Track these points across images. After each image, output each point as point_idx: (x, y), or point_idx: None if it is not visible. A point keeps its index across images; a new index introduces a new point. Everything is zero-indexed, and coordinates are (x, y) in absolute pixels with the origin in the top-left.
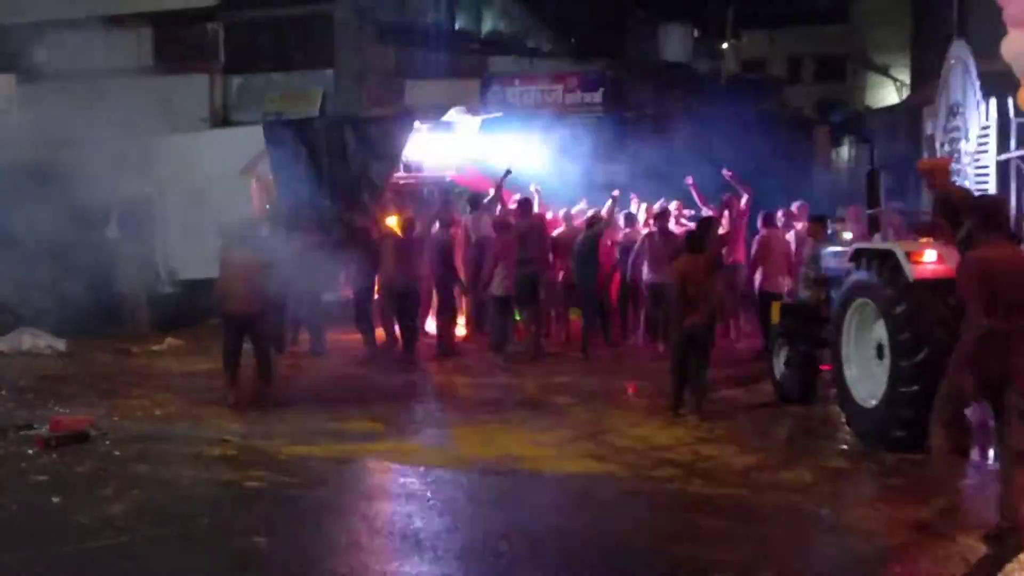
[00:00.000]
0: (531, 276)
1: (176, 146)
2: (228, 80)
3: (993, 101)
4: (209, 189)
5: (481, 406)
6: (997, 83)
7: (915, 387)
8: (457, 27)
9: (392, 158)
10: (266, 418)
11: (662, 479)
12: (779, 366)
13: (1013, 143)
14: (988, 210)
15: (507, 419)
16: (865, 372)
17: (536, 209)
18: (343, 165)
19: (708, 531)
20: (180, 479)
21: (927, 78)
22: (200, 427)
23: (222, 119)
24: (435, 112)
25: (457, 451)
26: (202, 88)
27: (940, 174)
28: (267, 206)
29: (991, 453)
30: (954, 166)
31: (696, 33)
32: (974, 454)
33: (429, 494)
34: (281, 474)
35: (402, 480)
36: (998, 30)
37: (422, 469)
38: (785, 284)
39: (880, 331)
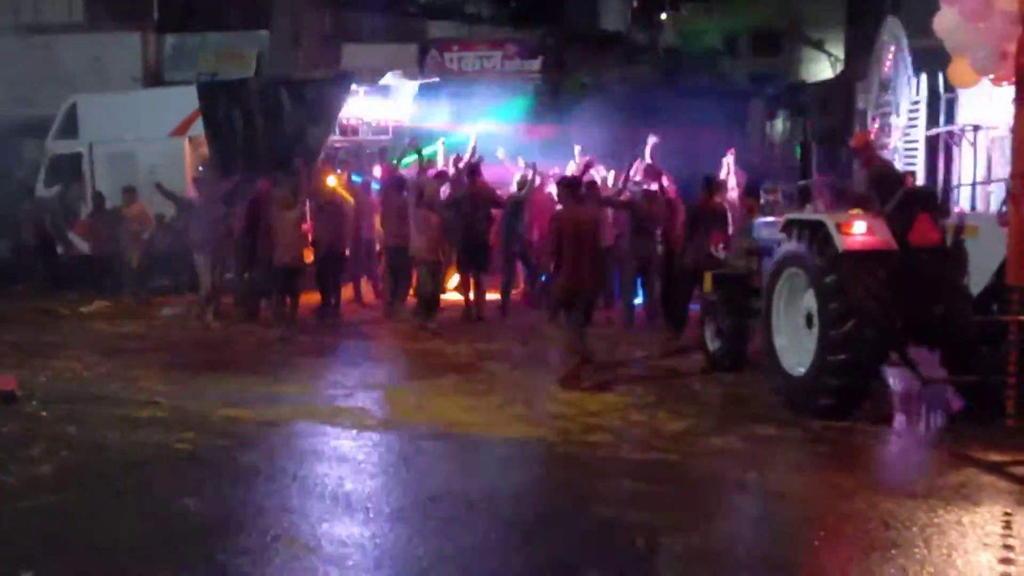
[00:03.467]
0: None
1: (107, 104)
2: (161, 39)
3: (924, 77)
4: (140, 148)
5: (414, 371)
6: (929, 59)
7: (843, 356)
8: None
9: (328, 121)
10: (197, 380)
11: (593, 444)
12: (710, 335)
13: (942, 118)
14: (569, 184)
15: (440, 384)
16: (794, 341)
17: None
18: (278, 127)
19: (637, 495)
20: (109, 441)
21: (861, 53)
22: (130, 389)
23: (155, 78)
24: (372, 75)
25: (389, 415)
26: (134, 46)
27: (869, 149)
28: (199, 167)
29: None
30: (884, 140)
31: (634, 3)
32: (897, 424)
33: (361, 457)
34: (211, 436)
35: (334, 443)
36: (931, 6)
37: (354, 432)
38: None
39: (810, 301)
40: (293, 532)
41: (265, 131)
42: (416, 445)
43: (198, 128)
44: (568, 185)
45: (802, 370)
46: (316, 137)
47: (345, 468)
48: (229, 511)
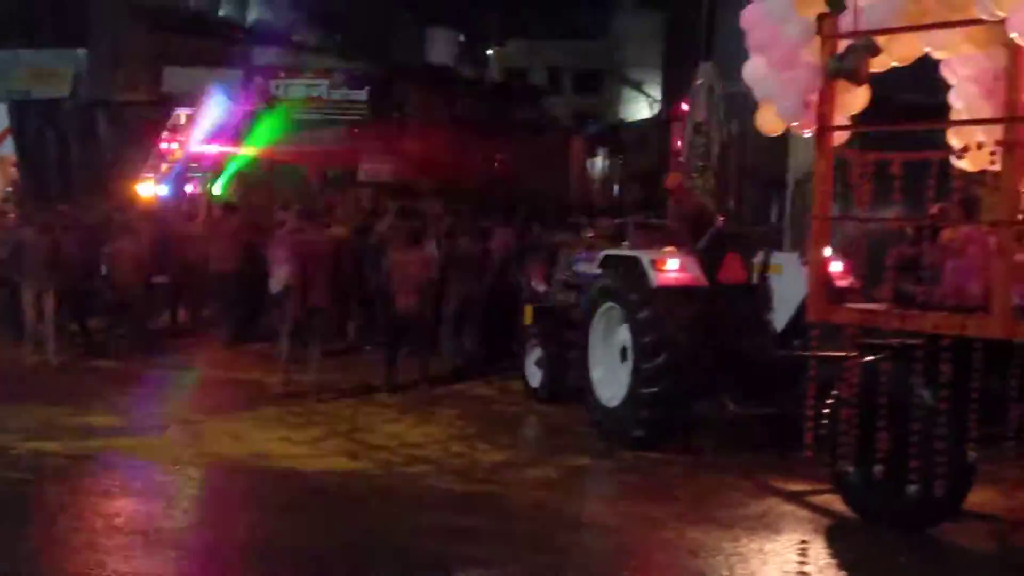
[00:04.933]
0: None
1: None
2: None
3: (736, 121)
4: None
5: (233, 402)
6: (740, 104)
7: (655, 388)
8: (221, 14)
9: (147, 146)
10: (0, 412)
11: (414, 476)
12: (530, 366)
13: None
14: (305, 213)
15: (260, 416)
16: (610, 374)
17: None
18: (94, 151)
19: (457, 527)
20: None
21: (677, 95)
22: None
23: None
24: (194, 100)
25: (205, 448)
26: None
27: (682, 189)
28: (8, 188)
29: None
30: (697, 181)
31: (461, 38)
32: (705, 455)
33: (174, 492)
34: (13, 470)
35: (145, 477)
36: (742, 54)
37: (167, 466)
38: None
39: (625, 334)
40: (98, 570)
41: (80, 154)
42: (232, 479)
43: (8, 148)
44: (305, 214)
45: (616, 402)
46: (133, 162)
47: (157, 504)
48: (33, 549)
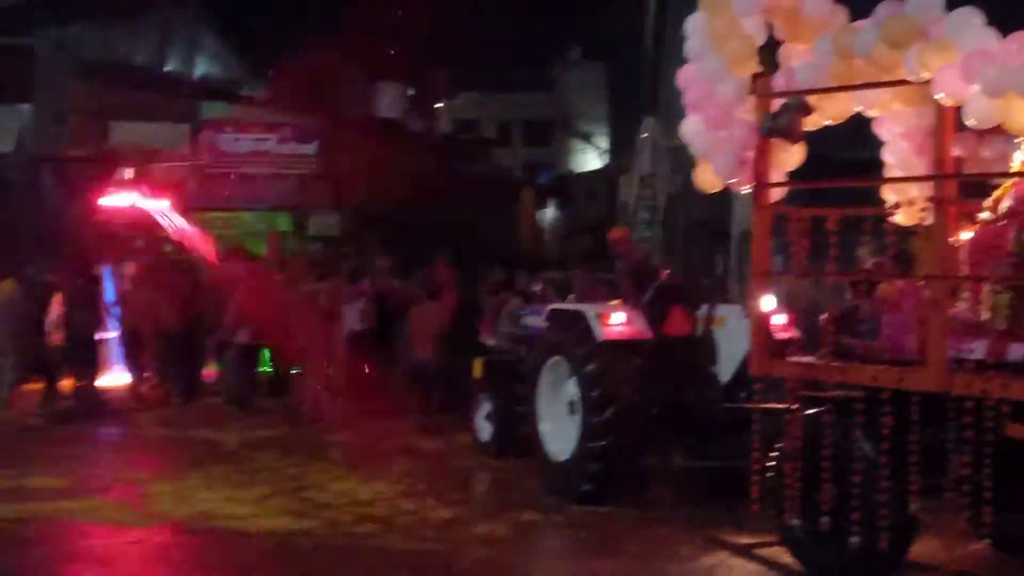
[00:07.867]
0: None
1: None
2: None
3: (681, 175)
4: None
5: (180, 461)
6: (685, 158)
7: (603, 442)
8: (168, 69)
9: (93, 201)
10: None
11: (361, 535)
12: (479, 420)
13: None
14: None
15: (206, 475)
16: (558, 428)
17: None
18: (38, 205)
19: None
20: None
21: (623, 147)
22: None
23: None
24: (142, 155)
25: (149, 509)
26: None
27: (626, 242)
28: None
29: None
30: (645, 232)
31: (410, 92)
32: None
33: (117, 556)
34: None
35: (87, 541)
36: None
37: (110, 529)
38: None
39: (572, 389)
40: None
41: (24, 209)
42: (175, 541)
43: None
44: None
45: (565, 456)
46: (79, 217)
47: (99, 569)
48: None
